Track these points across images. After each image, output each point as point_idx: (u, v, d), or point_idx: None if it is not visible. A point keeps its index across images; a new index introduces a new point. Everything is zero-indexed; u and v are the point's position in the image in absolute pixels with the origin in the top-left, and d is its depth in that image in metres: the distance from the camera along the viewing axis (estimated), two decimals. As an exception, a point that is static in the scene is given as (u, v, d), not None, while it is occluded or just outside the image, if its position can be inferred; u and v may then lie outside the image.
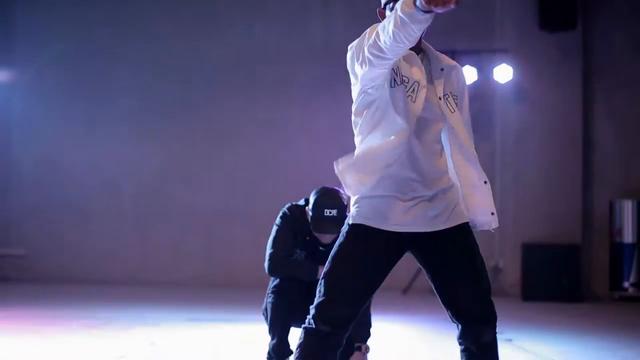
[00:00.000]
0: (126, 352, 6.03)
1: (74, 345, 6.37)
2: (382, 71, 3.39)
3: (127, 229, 11.67)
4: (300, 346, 3.51)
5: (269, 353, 5.02)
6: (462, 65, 10.35)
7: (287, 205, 5.24)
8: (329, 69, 11.37)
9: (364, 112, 3.57)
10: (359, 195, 3.54)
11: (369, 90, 3.50)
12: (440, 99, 3.51)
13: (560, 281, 10.13)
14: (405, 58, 3.48)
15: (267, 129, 11.57)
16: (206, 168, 11.63)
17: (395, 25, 3.16)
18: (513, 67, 10.58)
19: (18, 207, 11.82)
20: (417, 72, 3.47)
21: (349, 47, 3.55)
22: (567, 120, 10.80)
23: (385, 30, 3.23)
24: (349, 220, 3.56)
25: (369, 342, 5.22)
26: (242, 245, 11.24)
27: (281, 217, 5.18)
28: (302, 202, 5.23)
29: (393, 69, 3.44)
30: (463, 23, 10.85)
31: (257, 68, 11.64)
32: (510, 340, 6.81)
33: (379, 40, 3.26)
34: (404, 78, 3.45)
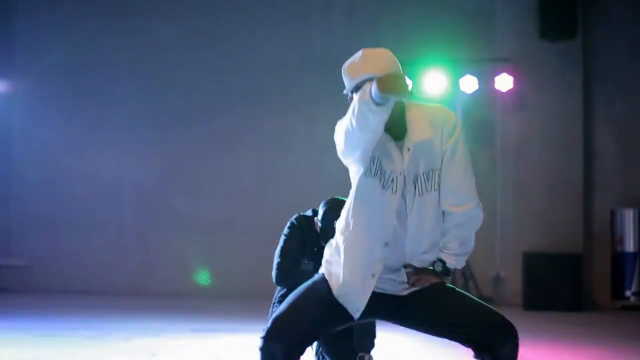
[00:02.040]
0: (128, 363, 6.03)
1: (75, 356, 6.36)
2: (356, 156, 3.36)
3: (128, 239, 11.67)
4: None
5: (271, 363, 5.01)
6: (463, 74, 10.41)
7: (294, 216, 5.24)
8: (330, 79, 11.30)
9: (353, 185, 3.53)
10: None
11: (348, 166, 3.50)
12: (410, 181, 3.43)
13: (561, 290, 10.12)
14: (383, 146, 3.37)
15: (268, 138, 11.58)
16: (207, 178, 11.64)
17: (354, 115, 3.14)
18: (514, 76, 10.59)
19: (19, 217, 11.82)
20: (395, 162, 3.39)
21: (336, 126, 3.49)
22: (568, 129, 10.81)
23: (348, 118, 3.21)
24: None
25: (373, 352, 5.20)
26: (243, 255, 11.24)
27: (289, 227, 5.18)
28: (309, 212, 5.23)
29: (372, 156, 3.38)
30: (464, 32, 10.87)
31: (258, 78, 11.65)
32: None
33: (348, 125, 3.23)
34: (380, 168, 3.40)
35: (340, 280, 3.48)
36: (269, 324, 3.44)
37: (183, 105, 11.74)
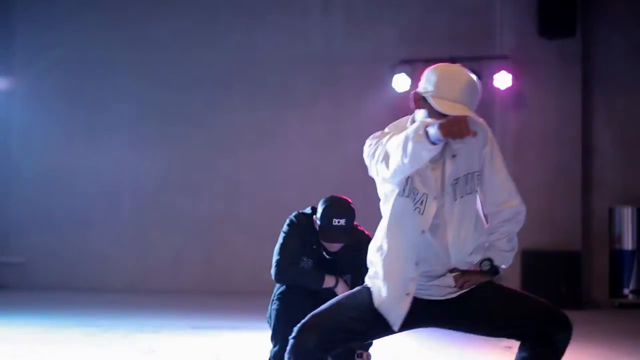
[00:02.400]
0: (126, 360, 6.04)
1: (73, 353, 6.36)
2: (397, 181, 3.43)
3: (126, 236, 11.67)
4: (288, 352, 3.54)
5: (269, 360, 5.02)
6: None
7: (294, 213, 5.24)
8: (329, 77, 11.41)
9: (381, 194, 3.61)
10: None
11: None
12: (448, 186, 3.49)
13: (560, 288, 10.12)
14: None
15: (267, 136, 11.58)
16: (206, 175, 11.64)
17: (405, 152, 3.20)
18: (513, 74, 10.59)
19: (17, 214, 11.82)
20: (427, 182, 3.45)
21: (368, 140, 3.53)
22: (567, 127, 10.81)
23: (395, 152, 3.26)
24: None
25: (371, 350, 5.21)
26: (242, 252, 11.25)
27: (288, 225, 5.18)
28: (308, 210, 5.23)
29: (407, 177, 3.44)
30: (462, 30, 10.87)
31: (257, 75, 11.65)
32: (509, 348, 6.79)
33: (389, 160, 3.30)
34: (413, 189, 3.45)
35: (382, 294, 3.53)
36: (307, 318, 3.49)
37: (182, 103, 11.73)
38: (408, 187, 3.45)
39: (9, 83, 11.87)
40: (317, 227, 5.06)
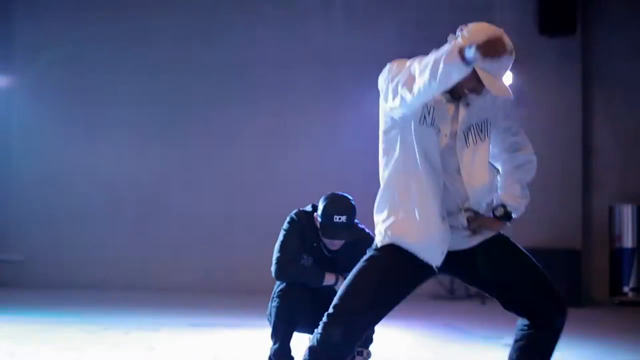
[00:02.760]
0: (126, 358, 6.03)
1: (73, 350, 6.36)
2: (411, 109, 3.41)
3: (127, 234, 11.66)
4: (310, 349, 3.52)
5: (269, 358, 5.01)
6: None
7: (294, 211, 5.24)
8: (330, 75, 11.40)
9: (390, 134, 3.57)
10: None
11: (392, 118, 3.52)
12: (458, 133, 3.52)
13: (559, 286, 10.02)
14: (439, 103, 3.46)
15: (268, 133, 11.58)
16: (206, 173, 11.64)
17: (434, 74, 3.17)
18: (512, 72, 10.58)
19: (17, 212, 11.81)
20: (444, 118, 3.47)
21: (388, 65, 3.52)
22: (567, 125, 10.81)
23: (422, 73, 3.23)
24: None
25: (371, 347, 5.21)
26: (242, 250, 11.24)
27: (289, 222, 5.18)
28: (309, 207, 5.23)
29: (426, 105, 3.43)
30: (462, 28, 10.85)
31: (257, 74, 11.65)
32: (509, 345, 6.78)
33: (414, 83, 3.26)
34: (433, 120, 3.45)
35: (413, 233, 3.47)
36: (331, 310, 3.47)
37: (182, 102, 11.72)
38: (430, 117, 3.44)
39: (9, 83, 11.86)
40: (318, 224, 5.06)
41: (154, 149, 11.71)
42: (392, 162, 3.55)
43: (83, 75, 11.84)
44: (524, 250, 3.67)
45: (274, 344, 5.03)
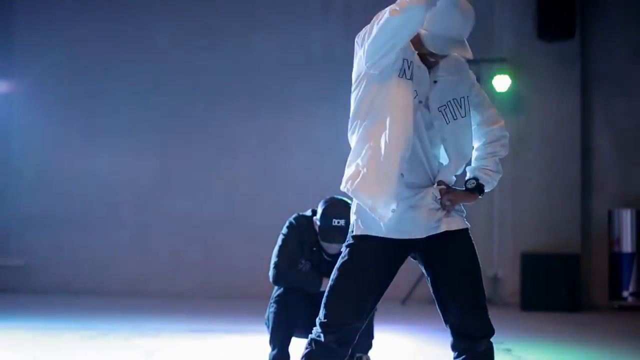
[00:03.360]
0: (126, 364, 6.03)
1: (73, 356, 6.36)
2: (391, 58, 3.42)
3: (126, 239, 11.66)
4: (306, 356, 3.51)
5: (268, 363, 5.02)
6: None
7: (294, 216, 5.25)
8: (329, 80, 11.39)
9: (364, 99, 3.57)
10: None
11: (372, 71, 3.50)
12: (436, 109, 3.53)
13: (559, 291, 10.11)
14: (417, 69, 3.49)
15: (267, 138, 11.58)
16: (205, 178, 11.64)
17: (403, 10, 3.27)
18: (511, 76, 10.60)
19: (17, 217, 11.82)
20: (422, 83, 3.50)
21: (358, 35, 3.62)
22: (566, 129, 10.81)
23: (388, 17, 3.34)
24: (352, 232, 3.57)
25: (370, 353, 5.21)
26: (241, 255, 11.24)
27: (288, 227, 5.19)
28: (308, 212, 5.24)
29: (405, 59, 3.45)
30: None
31: (256, 77, 11.65)
32: (509, 350, 6.80)
33: (397, 21, 3.32)
34: (413, 76, 3.46)
35: (374, 185, 3.42)
36: (321, 317, 3.46)
37: (181, 106, 11.73)
38: (410, 72, 3.45)
39: (9, 86, 11.87)
40: (317, 228, 5.07)
41: (153, 153, 11.71)
42: (363, 123, 3.53)
43: (82, 79, 11.85)
44: (476, 259, 3.60)
45: (273, 349, 5.04)
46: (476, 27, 3.51)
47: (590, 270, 10.72)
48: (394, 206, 3.40)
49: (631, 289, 10.23)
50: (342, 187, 3.54)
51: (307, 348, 3.52)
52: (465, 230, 3.60)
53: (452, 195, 3.55)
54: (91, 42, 11.83)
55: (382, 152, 3.40)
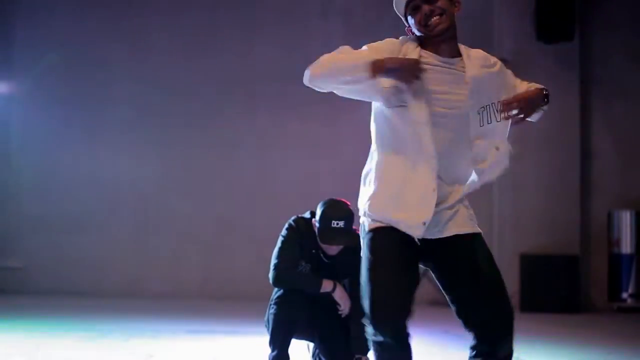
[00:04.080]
0: (125, 365, 6.03)
1: (72, 357, 6.36)
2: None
3: (125, 240, 11.66)
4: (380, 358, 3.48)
5: (268, 365, 5.02)
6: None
7: (293, 218, 5.25)
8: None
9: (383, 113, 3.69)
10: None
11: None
12: None
13: (558, 292, 10.12)
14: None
15: (266, 141, 11.59)
16: (205, 180, 11.64)
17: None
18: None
19: (16, 218, 11.81)
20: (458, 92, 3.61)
21: None
22: (565, 131, 10.82)
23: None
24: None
25: (369, 354, 5.21)
26: (241, 257, 11.24)
27: (287, 229, 5.19)
28: (307, 214, 5.24)
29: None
30: (460, 33, 10.84)
31: (256, 81, 11.65)
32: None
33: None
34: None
35: (400, 205, 3.45)
36: (374, 315, 3.41)
37: (181, 107, 11.73)
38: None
39: (8, 88, 11.87)
40: (316, 230, 5.07)
41: (153, 154, 11.71)
42: (386, 140, 3.56)
43: (81, 81, 11.85)
44: (492, 259, 3.60)
45: (272, 351, 5.04)
46: (476, 29, 3.53)
47: (589, 271, 10.74)
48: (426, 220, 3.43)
49: (630, 290, 10.24)
50: (362, 215, 3.56)
51: (375, 351, 3.48)
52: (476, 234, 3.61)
53: (517, 98, 3.71)
54: (91, 43, 11.84)
55: (408, 171, 3.46)
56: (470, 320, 3.51)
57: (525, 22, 10.76)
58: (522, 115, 3.52)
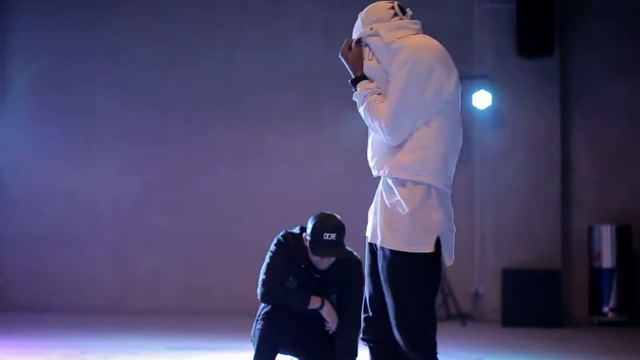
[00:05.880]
0: (106, 382, 5.98)
1: (52, 374, 6.31)
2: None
3: (106, 256, 11.59)
4: None
5: (251, 381, 4.99)
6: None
7: (281, 233, 5.24)
8: (309, 96, 11.41)
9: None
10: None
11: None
12: None
13: (540, 306, 10.13)
14: None
15: (247, 155, 11.56)
16: (186, 195, 11.59)
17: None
18: (491, 93, 10.64)
19: (-5, 235, 11.71)
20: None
21: None
22: (546, 146, 10.86)
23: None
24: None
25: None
26: (222, 272, 11.19)
27: (276, 244, 5.17)
28: (297, 229, 5.22)
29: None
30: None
31: (237, 95, 11.63)
32: None
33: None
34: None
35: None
36: (417, 329, 3.60)
37: (161, 122, 11.69)
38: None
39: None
40: (307, 244, 5.05)
41: (133, 170, 11.66)
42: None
43: (62, 95, 11.78)
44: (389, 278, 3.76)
45: (257, 366, 5.01)
46: (457, 44, 3.56)
47: (570, 285, 10.76)
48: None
49: (611, 304, 10.26)
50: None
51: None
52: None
53: None
54: (70, 58, 11.79)
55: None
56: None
57: (506, 37, 10.81)
58: None
